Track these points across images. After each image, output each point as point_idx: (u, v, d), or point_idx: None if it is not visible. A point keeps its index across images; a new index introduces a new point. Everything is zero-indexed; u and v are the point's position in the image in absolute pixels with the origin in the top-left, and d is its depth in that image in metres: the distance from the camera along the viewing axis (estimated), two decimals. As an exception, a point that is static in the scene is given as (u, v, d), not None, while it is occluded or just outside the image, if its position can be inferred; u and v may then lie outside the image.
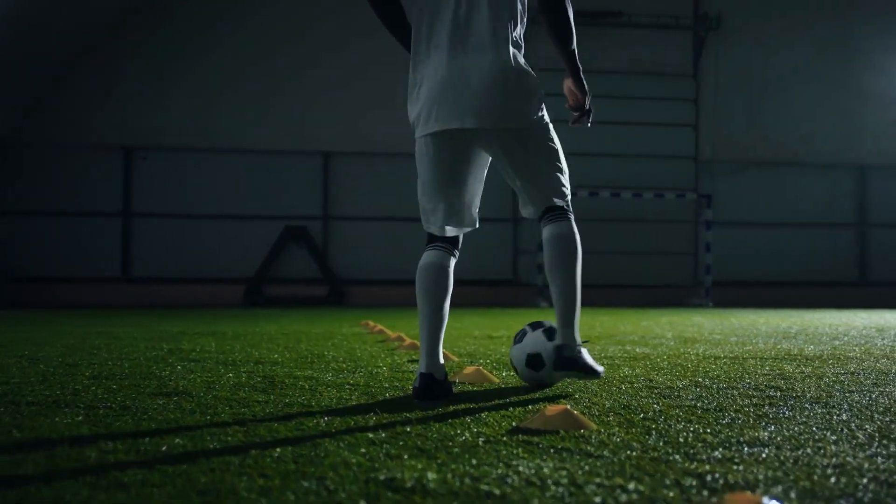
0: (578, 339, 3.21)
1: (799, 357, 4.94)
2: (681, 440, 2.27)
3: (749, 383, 3.60)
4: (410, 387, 3.37)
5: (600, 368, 3.22)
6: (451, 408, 2.89)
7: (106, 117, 17.80)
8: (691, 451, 2.12)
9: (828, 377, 3.85)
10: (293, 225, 18.25)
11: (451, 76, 3.11)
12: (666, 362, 4.61)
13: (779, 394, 3.25)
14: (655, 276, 19.04)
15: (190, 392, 3.15)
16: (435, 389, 3.13)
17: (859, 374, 4.00)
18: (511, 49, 3.18)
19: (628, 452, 2.12)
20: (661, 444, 2.22)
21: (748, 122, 19.74)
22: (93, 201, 17.91)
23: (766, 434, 2.37)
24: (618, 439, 2.28)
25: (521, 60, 3.23)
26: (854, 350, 5.51)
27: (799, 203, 19.88)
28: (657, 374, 3.97)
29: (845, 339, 6.71)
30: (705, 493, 1.75)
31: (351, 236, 18.38)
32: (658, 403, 2.99)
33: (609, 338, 6.84)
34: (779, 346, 5.80)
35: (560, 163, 3.36)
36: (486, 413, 2.77)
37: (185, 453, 2.07)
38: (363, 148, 18.29)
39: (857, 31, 19.65)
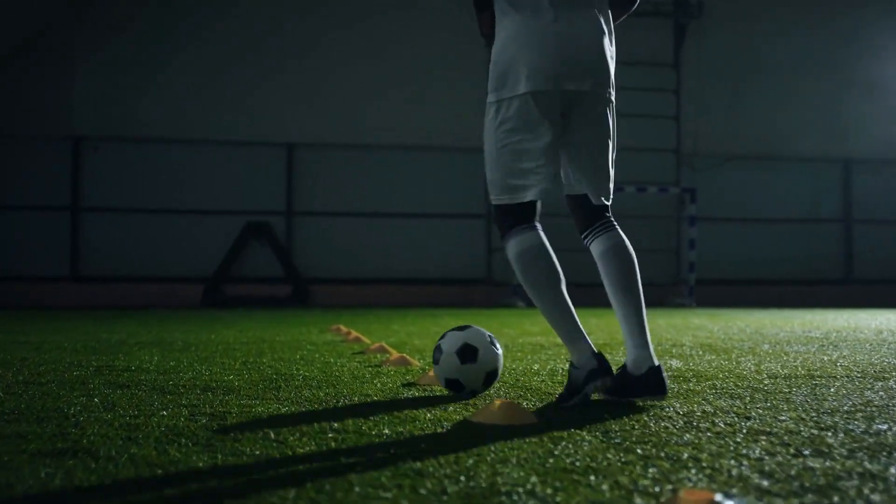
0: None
1: (887, 372, 4.04)
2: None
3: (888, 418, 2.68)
4: (427, 430, 2.40)
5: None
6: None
7: (53, 105, 16.69)
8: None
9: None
10: (255, 220, 17.26)
11: (562, 32, 3.00)
12: (737, 383, 3.68)
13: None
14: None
15: (95, 451, 2.14)
16: (608, 363, 2.99)
17: None
18: (608, 9, 3.17)
19: None
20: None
21: (731, 114, 19.05)
22: (38, 195, 16.82)
23: None
24: None
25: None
26: (925, 363, 4.63)
27: (782, 198, 19.28)
28: (757, 409, 3.03)
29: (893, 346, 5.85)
30: None
31: (316, 233, 17.45)
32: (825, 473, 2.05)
33: (620, 346, 5.88)
34: (831, 356, 4.90)
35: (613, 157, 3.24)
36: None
37: None
38: (329, 139, 17.33)
39: (843, 21, 19.04)
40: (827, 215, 19.50)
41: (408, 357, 4.55)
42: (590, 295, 17.11)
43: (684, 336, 7.03)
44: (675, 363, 4.65)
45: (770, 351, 5.49)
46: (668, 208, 18.82)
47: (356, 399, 3.14)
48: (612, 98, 3.12)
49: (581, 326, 3.04)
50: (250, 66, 17.20)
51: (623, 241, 3.12)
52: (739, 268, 18.79)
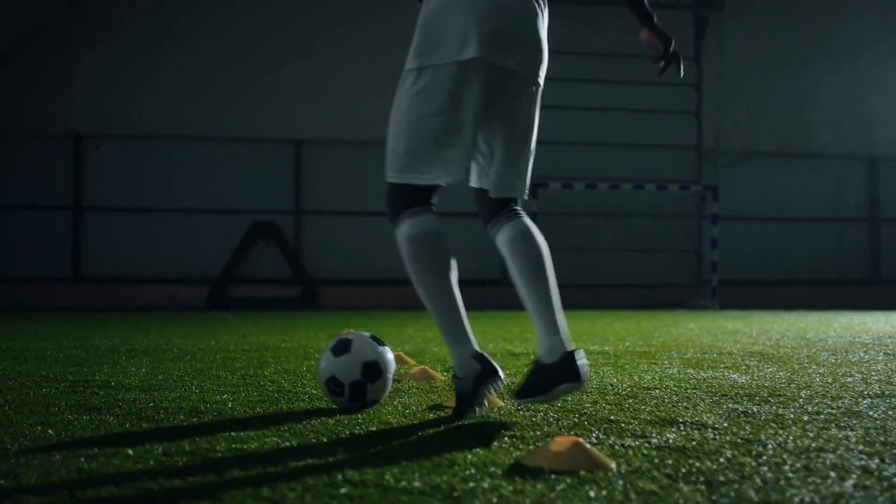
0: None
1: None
2: None
3: None
4: (471, 478, 1.81)
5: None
6: None
7: (54, 102, 16.18)
8: None
9: None
10: (262, 220, 16.69)
11: (497, 2, 2.75)
12: (829, 404, 3.07)
13: None
14: (654, 274, 17.71)
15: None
16: (494, 364, 2.74)
17: None
18: None
19: None
20: None
21: (753, 109, 18.42)
22: (39, 194, 16.29)
23: None
24: None
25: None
26: None
27: (806, 196, 18.64)
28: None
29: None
30: None
31: (325, 232, 16.88)
32: None
33: (677, 358, 5.29)
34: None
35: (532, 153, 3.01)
36: None
37: None
38: (339, 136, 16.75)
39: (869, 13, 18.40)
40: (852, 214, 18.87)
41: (430, 370, 3.97)
42: (598, 297, 16.68)
43: (726, 342, 6.42)
44: (735, 376, 4.05)
45: (835, 360, 4.89)
46: (688, 207, 18.20)
47: (374, 427, 2.56)
48: (541, 84, 2.91)
49: (467, 326, 2.78)
50: (256, 60, 16.65)
51: (529, 228, 2.87)
52: (762, 268, 18.17)
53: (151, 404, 3.00)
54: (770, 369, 4.40)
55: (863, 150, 18.73)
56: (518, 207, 2.95)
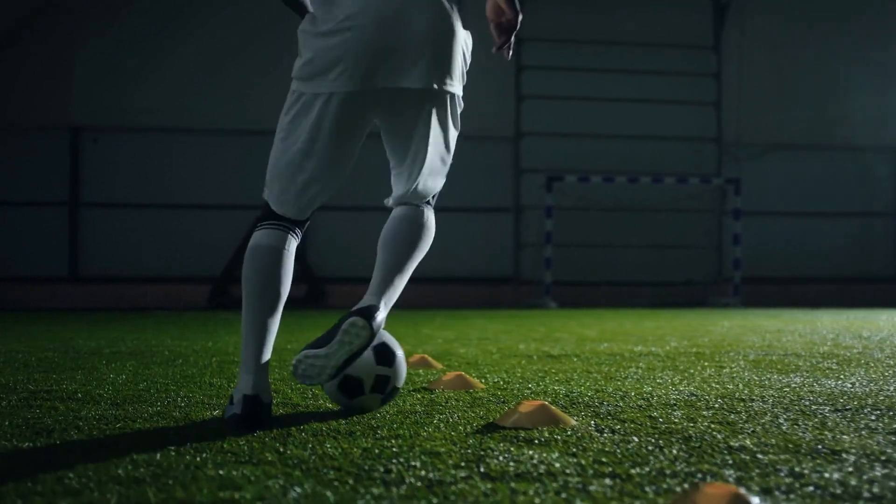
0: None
1: None
2: None
3: None
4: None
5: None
6: None
7: (50, 93, 15.58)
8: None
9: None
10: (266, 216, 16.04)
11: (390, 14, 2.43)
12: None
13: None
14: (673, 271, 17.05)
15: None
16: (261, 415, 2.38)
17: None
18: None
19: None
20: None
21: (775, 100, 17.71)
22: (34, 190, 15.67)
23: None
24: None
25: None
26: None
27: (831, 190, 17.93)
28: None
29: None
30: None
31: (332, 228, 16.18)
32: None
33: (741, 360, 4.61)
34: None
35: (449, 163, 2.81)
36: None
37: None
38: (345, 128, 16.12)
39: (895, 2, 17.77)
40: (879, 208, 18.17)
41: (466, 376, 3.29)
42: (614, 295, 16.03)
43: (782, 343, 5.73)
44: (832, 382, 3.36)
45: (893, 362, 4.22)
46: (708, 201, 17.52)
47: (416, 462, 1.87)
48: (458, 94, 2.63)
49: (266, 355, 2.49)
50: (259, 50, 15.99)
51: (429, 220, 2.76)
52: (784, 264, 17.48)
53: (119, 424, 2.33)
54: (860, 372, 3.74)
55: (889, 141, 18.03)
56: (427, 203, 2.81)
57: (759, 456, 1.95)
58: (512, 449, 2.01)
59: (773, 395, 3.00)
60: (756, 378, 3.57)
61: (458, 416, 2.50)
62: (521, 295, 16.27)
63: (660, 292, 16.59)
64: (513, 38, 2.75)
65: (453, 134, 2.71)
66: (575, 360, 4.49)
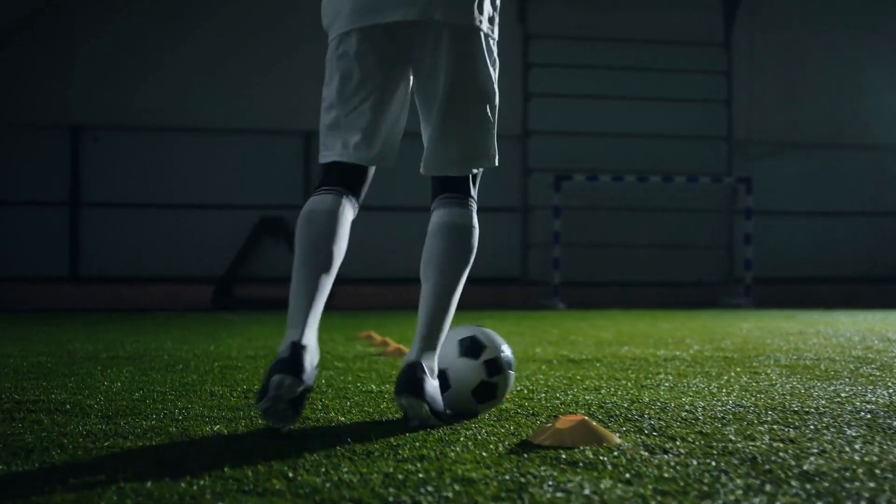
0: (436, 367, 2.39)
1: None
2: None
3: None
4: None
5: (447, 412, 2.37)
6: None
7: (49, 92, 15.35)
8: None
9: None
10: (269, 215, 15.80)
11: None
12: None
13: None
14: (682, 272, 16.80)
15: None
16: (304, 363, 2.21)
17: None
18: None
19: None
20: None
21: (787, 97, 17.46)
22: (34, 189, 15.44)
23: None
24: None
25: None
26: None
27: (844, 189, 17.66)
28: None
29: None
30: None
31: (336, 229, 15.97)
32: None
33: (774, 365, 4.36)
34: None
35: (495, 112, 2.58)
36: None
37: None
38: (350, 126, 15.87)
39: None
40: (892, 207, 17.91)
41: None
42: (622, 295, 15.78)
43: (810, 346, 5.46)
44: (886, 393, 3.10)
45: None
46: (718, 200, 17.26)
47: (448, 492, 1.62)
48: (482, 28, 2.47)
49: (315, 313, 2.37)
50: (263, 47, 15.78)
51: (468, 221, 2.54)
52: (796, 264, 17.23)
53: (108, 442, 2.07)
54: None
55: (902, 140, 17.81)
56: (463, 190, 2.59)
57: (846, 484, 1.68)
58: (555, 474, 1.75)
59: (826, 407, 2.74)
60: (799, 386, 3.31)
61: (486, 433, 2.24)
62: (528, 295, 16.03)
63: (669, 293, 16.35)
64: None
65: (486, 76, 2.52)
66: (598, 365, 4.23)
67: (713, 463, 1.86)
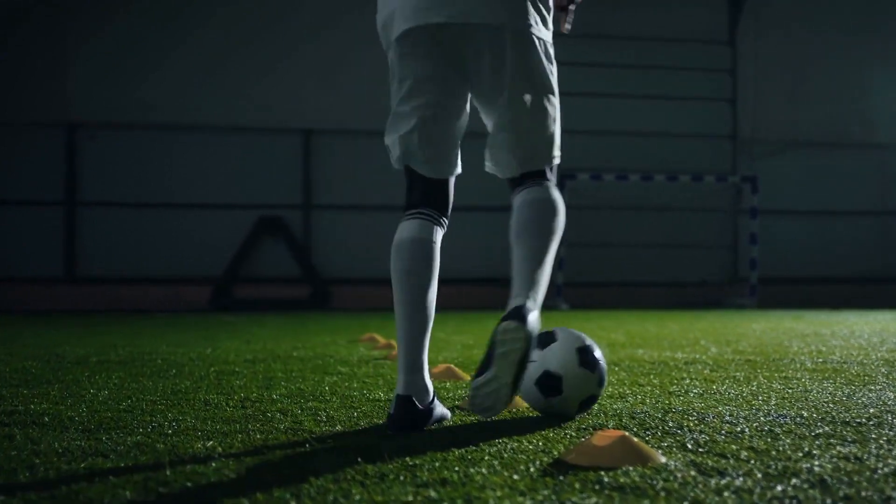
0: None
1: None
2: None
3: None
4: None
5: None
6: None
7: (45, 89, 15.14)
8: None
9: None
10: (268, 215, 15.61)
11: None
12: None
13: None
14: (687, 271, 16.59)
15: None
16: (416, 418, 2.32)
17: None
18: None
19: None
20: None
21: (792, 96, 17.27)
22: (30, 188, 15.26)
23: None
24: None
25: None
26: None
27: (849, 188, 17.48)
28: None
29: None
30: None
31: (336, 228, 15.78)
32: None
33: (800, 369, 4.12)
34: None
35: (557, 108, 2.57)
36: None
37: None
38: (350, 125, 15.62)
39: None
40: (897, 207, 17.74)
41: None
42: (627, 296, 15.56)
43: (830, 348, 5.23)
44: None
45: None
46: (723, 200, 17.04)
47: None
48: (532, 32, 2.43)
49: (425, 354, 2.45)
50: (263, 45, 15.58)
51: (555, 195, 2.56)
52: (801, 264, 17.03)
53: (85, 463, 1.83)
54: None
55: (908, 138, 17.61)
56: (545, 178, 2.57)
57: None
58: (601, 502, 1.51)
59: (878, 416, 2.50)
60: (840, 392, 3.07)
61: (511, 449, 2.00)
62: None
63: (674, 293, 16.17)
64: (571, 8, 2.70)
65: (542, 73, 2.47)
66: (617, 369, 3.99)
67: (779, 487, 1.62)
